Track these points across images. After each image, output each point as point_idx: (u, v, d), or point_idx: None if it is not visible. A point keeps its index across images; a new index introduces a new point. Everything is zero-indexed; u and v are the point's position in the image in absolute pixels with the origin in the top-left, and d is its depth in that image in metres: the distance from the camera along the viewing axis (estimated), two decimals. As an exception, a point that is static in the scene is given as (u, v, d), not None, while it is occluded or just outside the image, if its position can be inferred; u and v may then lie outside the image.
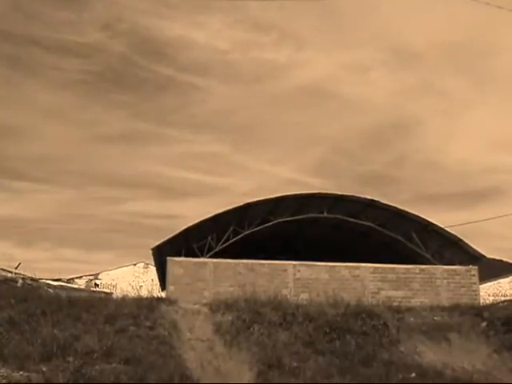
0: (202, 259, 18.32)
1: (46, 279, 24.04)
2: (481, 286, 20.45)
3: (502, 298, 23.04)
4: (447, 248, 20.93)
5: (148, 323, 9.20)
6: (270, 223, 20.80)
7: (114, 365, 7.60)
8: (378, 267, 17.44)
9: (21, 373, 7.07)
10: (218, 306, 10.48)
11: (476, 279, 17.98)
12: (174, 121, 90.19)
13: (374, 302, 11.49)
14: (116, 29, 79.58)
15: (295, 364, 8.43)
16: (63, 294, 11.83)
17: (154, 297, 11.43)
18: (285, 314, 9.93)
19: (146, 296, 11.58)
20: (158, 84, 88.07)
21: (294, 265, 17.05)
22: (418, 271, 17.70)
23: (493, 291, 34.92)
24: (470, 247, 20.67)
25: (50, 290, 14.36)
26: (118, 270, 39.45)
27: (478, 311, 10.95)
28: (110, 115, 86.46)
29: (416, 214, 20.87)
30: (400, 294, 16.65)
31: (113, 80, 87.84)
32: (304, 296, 15.16)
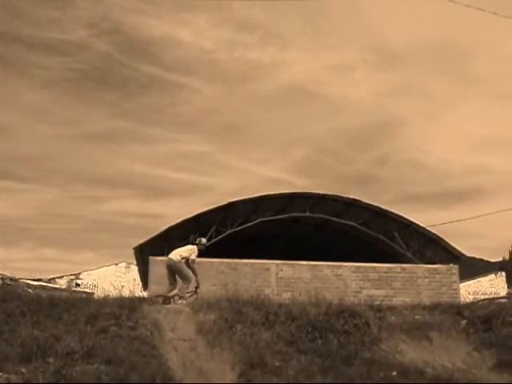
0: (184, 259, 18.18)
1: (26, 279, 23.79)
2: (461, 285, 20.73)
3: (482, 297, 23.35)
4: (428, 247, 21.17)
5: (130, 323, 9.13)
6: (253, 222, 20.86)
7: (95, 365, 7.54)
8: (360, 266, 17.59)
9: (0, 374, 6.98)
10: (201, 306, 10.44)
11: (456, 278, 18.23)
12: (158, 120, 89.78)
13: (355, 301, 11.55)
14: (100, 27, 79.00)
15: (277, 363, 8.44)
16: (43, 294, 11.69)
17: (135, 297, 11.37)
18: (267, 313, 9.93)
19: (127, 296, 11.50)
20: (142, 83, 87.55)
21: (277, 264, 17.12)
22: (399, 270, 17.89)
23: (473, 289, 35.38)
24: (451, 246, 20.95)
25: (30, 290, 14.19)
26: (100, 269, 39.22)
27: (459, 310, 11.07)
28: (94, 114, 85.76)
29: (398, 213, 21.08)
30: (382, 292, 16.81)
31: (97, 78, 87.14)
32: (287, 295, 15.22)
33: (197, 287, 12.87)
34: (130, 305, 9.87)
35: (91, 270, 38.90)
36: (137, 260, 22.36)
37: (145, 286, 23.32)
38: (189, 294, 12.68)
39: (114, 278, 36.75)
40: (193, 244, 13.67)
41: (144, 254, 19.29)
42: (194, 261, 12.88)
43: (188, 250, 13.11)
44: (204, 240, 13.77)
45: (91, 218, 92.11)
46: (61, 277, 37.19)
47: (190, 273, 12.67)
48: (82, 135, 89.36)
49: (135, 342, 8.60)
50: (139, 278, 28.08)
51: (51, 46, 78.48)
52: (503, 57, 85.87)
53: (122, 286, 26.39)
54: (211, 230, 20.31)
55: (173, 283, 12.67)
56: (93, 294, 25.34)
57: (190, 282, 12.60)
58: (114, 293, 12.56)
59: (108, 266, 39.20)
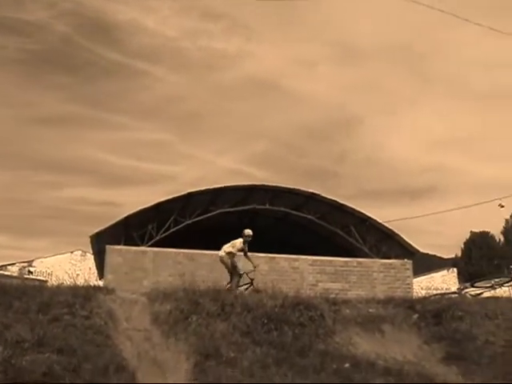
0: (141, 248, 18.16)
1: (-24, 266, 23.11)
2: (414, 280, 21.24)
3: (434, 292, 23.96)
4: (384, 242, 21.60)
5: (84, 312, 8.97)
6: (212, 213, 20.82)
7: (46, 355, 7.38)
8: (317, 260, 17.78)
9: None
10: (157, 296, 10.35)
11: (410, 273, 18.65)
12: (120, 107, 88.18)
13: (312, 294, 11.68)
14: (60, 8, 76.82)
15: (232, 354, 8.46)
16: (-6, 281, 11.36)
17: (90, 285, 11.17)
18: (223, 304, 9.92)
19: (82, 285, 11.29)
20: (103, 68, 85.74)
21: (235, 255, 17.00)
22: (355, 264, 18.17)
23: (426, 285, 36.33)
24: (406, 242, 21.43)
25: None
26: (54, 257, 38.39)
27: (411, 304, 11.32)
28: (50, 97, 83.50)
29: (355, 208, 21.40)
30: (337, 286, 17.04)
31: (55, 61, 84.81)
32: (243, 287, 15.26)
33: (252, 279, 13.10)
34: (84, 294, 9.69)
35: (45, 257, 38.05)
36: (93, 248, 22.02)
37: (101, 275, 22.98)
38: (244, 287, 12.94)
39: (68, 267, 36.06)
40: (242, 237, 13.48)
41: (101, 242, 19.00)
42: (245, 253, 13.11)
43: (232, 244, 13.22)
44: (247, 231, 13.50)
45: (46, 204, 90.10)
46: (12, 264, 36.23)
47: (237, 267, 12.89)
48: (38, 118, 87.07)
49: (89, 332, 8.46)
50: (95, 267, 27.66)
51: (7, 25, 75.95)
52: (462, 58, 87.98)
53: (77, 275, 25.95)
54: (170, 220, 20.19)
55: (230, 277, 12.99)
56: (46, 282, 24.81)
57: (239, 276, 12.83)
58: (68, 281, 12.32)
59: (63, 253, 38.42)
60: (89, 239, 19.94)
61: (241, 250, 13.24)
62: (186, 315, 9.52)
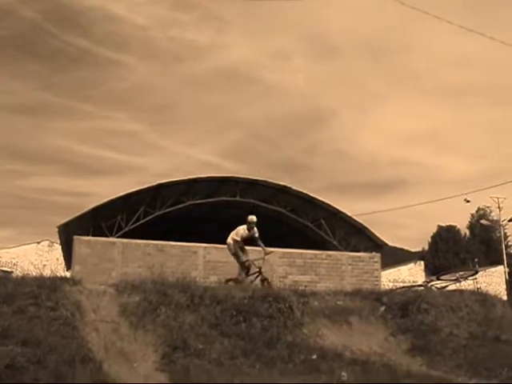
0: (110, 239, 17.97)
1: None
2: (382, 273, 21.57)
3: (401, 284, 24.39)
4: (353, 235, 21.85)
5: (49, 304, 8.82)
6: (182, 205, 20.72)
7: (10, 347, 7.24)
8: (287, 252, 17.87)
9: None
10: (125, 287, 10.25)
11: (378, 266, 18.92)
12: (89, 95, 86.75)
13: (281, 286, 11.75)
14: (28, -7, 74.86)
15: (201, 346, 8.46)
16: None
17: (57, 276, 10.99)
18: (192, 296, 9.90)
19: (48, 275, 11.10)
20: (72, 56, 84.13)
21: (205, 247, 17.11)
22: (324, 257, 18.33)
23: (393, 277, 36.99)
24: (374, 235, 21.71)
25: None
26: (20, 247, 37.70)
27: (378, 296, 11.49)
28: (18, 85, 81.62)
29: (325, 201, 21.57)
30: (307, 278, 17.18)
31: (22, 47, 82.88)
32: (213, 278, 15.27)
33: (260, 267, 12.63)
34: (50, 285, 9.52)
35: (10, 247, 37.35)
36: (60, 239, 21.69)
37: (68, 266, 22.67)
38: (253, 276, 12.52)
39: (35, 257, 35.49)
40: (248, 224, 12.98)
41: (69, 233, 18.73)
42: (255, 240, 12.63)
43: (236, 232, 12.80)
44: (251, 217, 13.01)
45: (12, 193, 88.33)
46: (-25, 254, 35.52)
47: (242, 256, 12.50)
48: (5, 107, 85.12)
49: (55, 323, 8.34)
50: (62, 258, 27.28)
51: (-25, 9, 73.86)
52: (432, 54, 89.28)
53: (44, 266, 25.61)
54: (139, 211, 20.02)
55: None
56: (11, 272, 24.37)
57: (242, 265, 12.46)
58: (34, 272, 12.10)
59: (29, 244, 37.77)
60: (56, 229, 19.64)
61: (247, 237, 12.82)
62: (155, 307, 9.47)
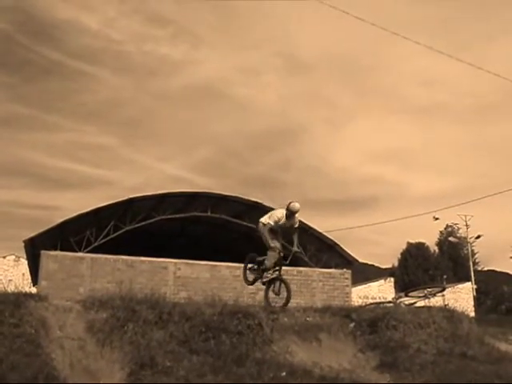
0: (78, 254, 17.71)
1: None
2: (353, 289, 21.71)
3: (371, 301, 24.52)
4: (324, 252, 21.95)
5: (13, 320, 8.60)
6: (153, 220, 20.57)
7: (-30, 365, 7.03)
8: (258, 268, 17.71)
9: None
10: (93, 304, 10.05)
11: (349, 282, 19.05)
12: (59, 108, 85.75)
13: (251, 302, 11.69)
14: (0, 3, 74.03)
15: (168, 363, 8.33)
16: None
17: (21, 292, 10.73)
18: (161, 312, 9.76)
19: (12, 291, 10.84)
20: (42, 67, 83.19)
21: (175, 263, 17.01)
22: (295, 273, 18.38)
23: (363, 294, 37.17)
24: (345, 252, 21.85)
25: None
26: (-15, 262, 36.79)
27: (348, 313, 11.51)
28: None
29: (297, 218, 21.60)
30: (277, 294, 17.08)
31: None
32: (183, 295, 15.13)
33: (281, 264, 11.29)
34: (14, 300, 9.29)
35: (-25, 262, 36.43)
36: (27, 254, 21.26)
37: (35, 281, 22.19)
38: (269, 273, 11.45)
39: (0, 272, 34.69)
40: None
41: (36, 247, 18.38)
42: (293, 230, 11.14)
43: (270, 215, 11.32)
44: (293, 204, 11.02)
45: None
46: None
47: (269, 241, 11.09)
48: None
49: (18, 340, 8.12)
50: (29, 273, 26.71)
51: None
52: (401, 73, 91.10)
53: (10, 281, 24.96)
54: (109, 226, 19.78)
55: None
56: (-25, 288, 23.73)
57: (270, 249, 11.09)
58: (-2, 287, 11.79)
59: (-6, 258, 36.93)
60: (22, 244, 19.25)
61: (283, 226, 11.22)
62: (123, 323, 9.31)
